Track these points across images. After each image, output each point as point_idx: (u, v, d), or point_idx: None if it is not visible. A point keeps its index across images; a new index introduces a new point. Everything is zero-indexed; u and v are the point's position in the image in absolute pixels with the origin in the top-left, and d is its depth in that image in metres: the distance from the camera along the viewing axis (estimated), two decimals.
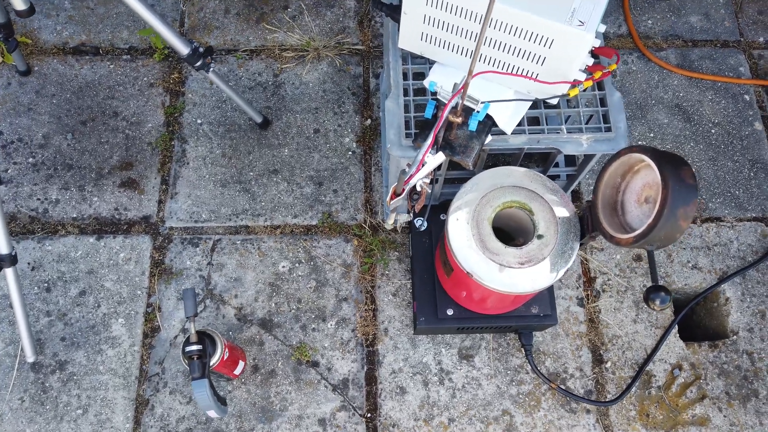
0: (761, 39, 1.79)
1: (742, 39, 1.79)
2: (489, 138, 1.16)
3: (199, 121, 1.67)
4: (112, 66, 1.72)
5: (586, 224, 1.08)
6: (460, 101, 1.02)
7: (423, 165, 0.98)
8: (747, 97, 1.71)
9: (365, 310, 1.49)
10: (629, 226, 0.99)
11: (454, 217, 1.12)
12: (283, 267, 1.52)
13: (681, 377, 1.45)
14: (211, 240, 1.55)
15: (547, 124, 1.20)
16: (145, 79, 1.71)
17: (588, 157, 1.26)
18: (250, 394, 1.42)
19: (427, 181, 1.00)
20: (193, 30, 1.78)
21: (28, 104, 1.67)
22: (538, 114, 1.21)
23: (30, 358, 1.41)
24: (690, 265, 1.55)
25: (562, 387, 1.43)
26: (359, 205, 1.58)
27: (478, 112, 1.04)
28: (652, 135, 1.68)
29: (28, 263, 1.51)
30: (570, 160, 1.43)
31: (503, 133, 1.18)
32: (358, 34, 1.79)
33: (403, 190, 0.97)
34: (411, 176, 0.98)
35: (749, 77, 1.72)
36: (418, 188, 0.99)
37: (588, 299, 1.51)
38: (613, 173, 1.00)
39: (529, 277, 1.09)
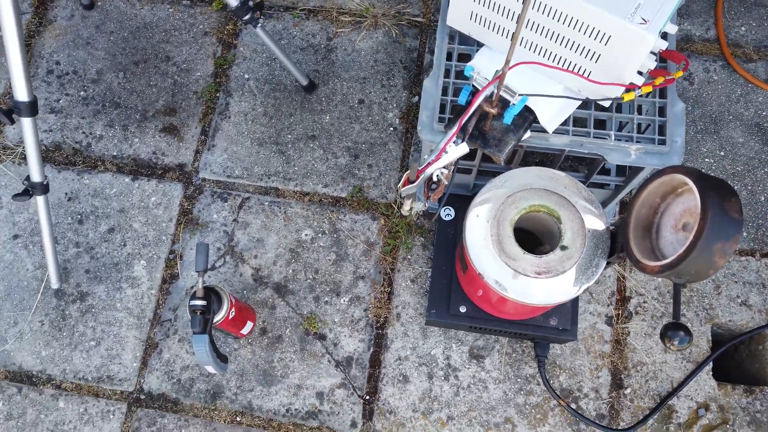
0: None
1: None
2: (528, 134, 1.08)
3: (246, 76, 1.65)
4: (171, 10, 1.72)
5: (618, 242, 0.99)
6: (496, 91, 0.94)
7: (444, 154, 0.92)
8: None
9: (381, 291, 1.45)
10: (661, 252, 0.89)
11: (474, 213, 1.05)
12: (306, 235, 1.50)
13: (706, 418, 1.34)
14: (240, 197, 1.54)
15: (594, 128, 1.10)
16: (201, 27, 1.70)
17: (636, 170, 1.16)
18: (255, 355, 1.41)
19: (447, 171, 0.93)
20: None
21: (87, 38, 1.69)
22: (587, 115, 1.11)
23: (54, 284, 1.46)
24: (739, 300, 1.41)
25: (572, 406, 1.35)
26: (392, 184, 1.53)
27: (514, 105, 0.96)
28: (722, 153, 1.53)
29: (66, 193, 1.55)
30: (622, 169, 1.32)
31: (545, 131, 1.09)
32: (421, 5, 1.70)
33: (418, 177, 0.91)
34: (428, 164, 0.92)
35: None
36: (435, 178, 0.93)
37: (618, 319, 1.41)
38: (653, 192, 0.90)
39: (544, 289, 1.01)
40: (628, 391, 1.36)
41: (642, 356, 1.38)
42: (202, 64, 1.67)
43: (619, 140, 1.08)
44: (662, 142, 1.07)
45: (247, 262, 1.48)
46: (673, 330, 0.80)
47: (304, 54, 1.66)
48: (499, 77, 0.90)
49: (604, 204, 1.35)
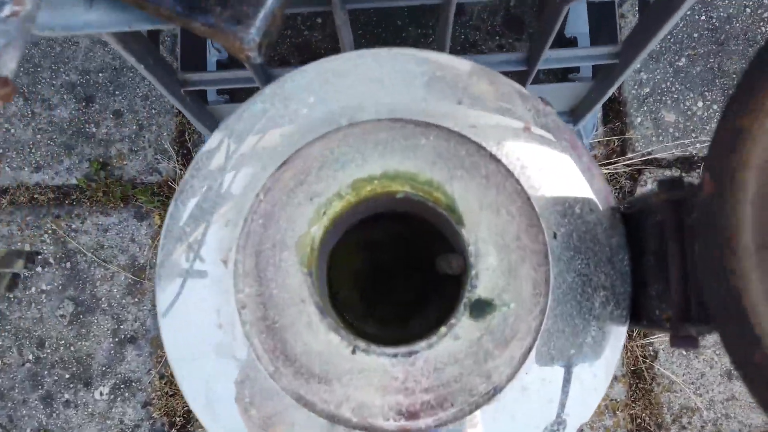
0: None
1: None
2: None
3: None
4: None
5: (661, 256, 0.27)
6: None
7: None
8: None
9: None
10: None
11: (184, 244, 0.32)
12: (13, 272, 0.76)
13: None
14: None
15: None
16: None
17: (660, 15, 0.41)
18: None
19: None
20: None
21: None
22: None
23: None
24: None
25: None
26: (166, 140, 0.78)
27: None
28: None
29: None
30: (597, 32, 0.59)
31: None
32: None
33: None
34: None
35: None
36: None
37: (634, 332, 0.73)
38: None
39: None
40: None
41: (687, 394, 0.71)
42: None
43: None
44: None
45: None
46: None
47: None
48: None
49: (574, 116, 0.61)
